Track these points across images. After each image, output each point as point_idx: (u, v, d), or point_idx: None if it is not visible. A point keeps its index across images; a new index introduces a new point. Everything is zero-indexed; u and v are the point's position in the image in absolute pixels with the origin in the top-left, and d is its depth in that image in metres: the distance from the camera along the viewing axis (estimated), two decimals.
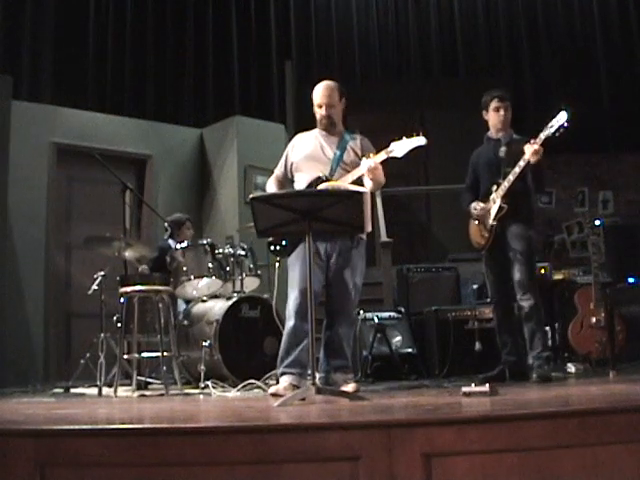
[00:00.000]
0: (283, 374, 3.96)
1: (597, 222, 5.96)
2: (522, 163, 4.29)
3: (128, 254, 5.10)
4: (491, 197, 4.46)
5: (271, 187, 4.33)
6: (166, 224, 6.06)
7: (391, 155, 3.97)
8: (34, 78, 7.58)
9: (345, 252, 4.06)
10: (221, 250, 5.36)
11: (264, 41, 9.15)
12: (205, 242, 5.39)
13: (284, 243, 4.12)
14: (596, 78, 8.94)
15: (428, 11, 9.42)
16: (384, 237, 6.73)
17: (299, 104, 8.16)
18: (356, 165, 4.12)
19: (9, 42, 7.46)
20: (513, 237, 4.38)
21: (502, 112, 4.56)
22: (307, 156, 4.21)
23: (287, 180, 4.34)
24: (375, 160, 3.95)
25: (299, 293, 3.95)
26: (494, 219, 4.42)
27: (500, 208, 4.39)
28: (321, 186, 4.08)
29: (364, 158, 4.01)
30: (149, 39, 8.51)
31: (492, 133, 4.62)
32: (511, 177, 4.35)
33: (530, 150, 4.21)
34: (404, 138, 3.98)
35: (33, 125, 6.91)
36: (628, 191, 8.63)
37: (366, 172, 3.97)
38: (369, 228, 3.46)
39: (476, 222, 4.55)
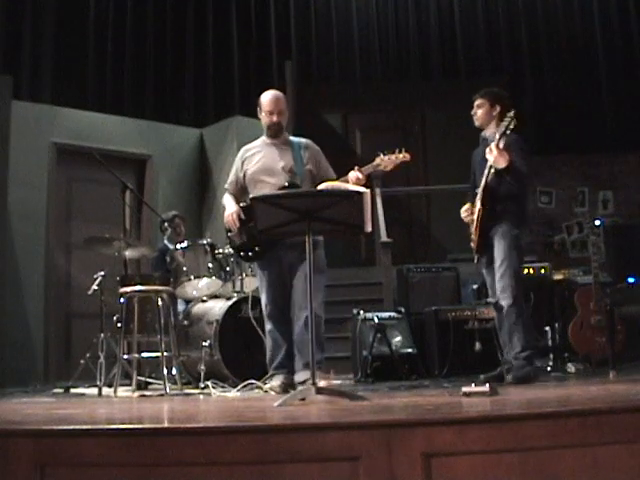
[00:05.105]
0: (274, 375, 4.27)
1: (597, 222, 5.96)
2: (488, 164, 4.23)
3: (128, 254, 5.10)
4: (476, 199, 4.41)
5: (230, 203, 4.44)
6: (166, 224, 6.08)
7: (378, 169, 4.22)
8: (34, 78, 7.58)
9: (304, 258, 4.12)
10: (221, 250, 5.36)
11: (264, 41, 9.15)
12: (205, 242, 5.39)
13: (257, 249, 4.31)
14: (596, 78, 8.94)
15: (428, 11, 9.43)
16: (384, 237, 6.73)
17: (299, 104, 8.16)
18: (313, 171, 4.35)
19: (9, 42, 7.46)
20: (496, 237, 4.31)
21: (474, 110, 4.51)
22: (263, 169, 4.36)
23: (242, 194, 4.47)
24: (364, 173, 4.14)
25: (268, 301, 4.29)
26: (476, 221, 4.37)
27: (479, 210, 4.33)
28: (321, 186, 4.14)
29: (352, 171, 4.16)
30: (149, 39, 8.52)
31: (484, 132, 4.55)
32: (482, 179, 4.30)
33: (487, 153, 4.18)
34: (389, 155, 4.20)
35: (33, 125, 6.91)
36: (628, 191, 8.63)
37: (353, 182, 4.08)
38: (369, 228, 3.46)
39: (470, 227, 4.51)
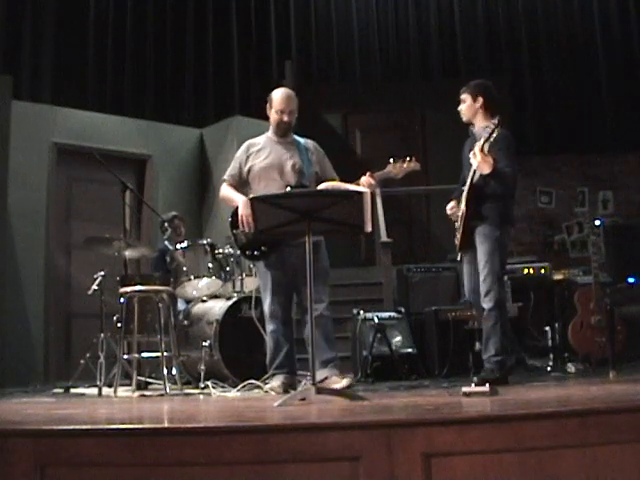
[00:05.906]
0: (274, 375, 4.27)
1: (597, 222, 5.95)
2: (472, 167, 4.22)
3: (128, 254, 5.10)
4: (462, 197, 4.39)
5: (239, 197, 4.34)
6: (166, 224, 6.08)
7: (389, 176, 4.24)
8: (34, 78, 7.59)
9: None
10: (221, 250, 5.36)
11: (264, 41, 9.16)
12: (205, 242, 5.39)
13: (263, 249, 4.26)
14: (596, 78, 8.94)
15: (428, 11, 9.43)
16: (384, 237, 6.73)
17: (299, 104, 8.15)
18: (318, 173, 4.35)
19: (9, 42, 7.47)
20: (479, 239, 4.28)
21: (459, 107, 4.47)
22: (271, 166, 4.31)
23: (243, 188, 4.41)
24: (376, 179, 4.16)
25: (272, 301, 4.25)
26: (461, 221, 4.35)
27: (463, 210, 4.30)
28: (321, 186, 4.17)
29: (364, 176, 4.16)
30: (149, 39, 8.52)
31: (472, 126, 4.49)
32: (467, 179, 4.28)
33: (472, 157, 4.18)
34: (400, 163, 4.21)
35: (33, 125, 6.91)
36: (628, 191, 8.63)
37: (365, 187, 4.09)
38: (369, 228, 3.47)
39: (456, 223, 4.48)
